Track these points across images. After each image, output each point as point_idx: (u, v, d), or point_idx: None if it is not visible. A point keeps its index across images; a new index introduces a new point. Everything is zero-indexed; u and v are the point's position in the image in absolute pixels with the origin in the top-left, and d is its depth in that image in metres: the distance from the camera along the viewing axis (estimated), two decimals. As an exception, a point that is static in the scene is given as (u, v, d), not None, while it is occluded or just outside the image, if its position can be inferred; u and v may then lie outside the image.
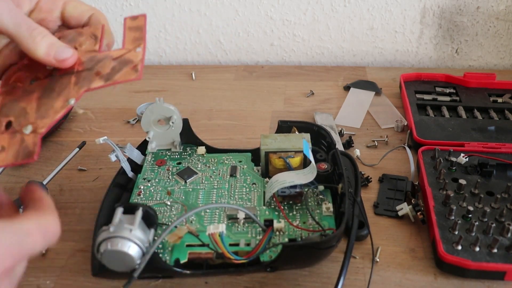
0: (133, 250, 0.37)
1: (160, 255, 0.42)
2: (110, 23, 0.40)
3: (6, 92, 0.35)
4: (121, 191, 0.50)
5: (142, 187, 0.50)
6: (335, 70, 0.83)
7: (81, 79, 0.34)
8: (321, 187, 0.48)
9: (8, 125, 0.33)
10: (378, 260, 0.46)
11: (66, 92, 0.34)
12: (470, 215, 0.48)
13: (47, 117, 0.33)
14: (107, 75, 0.34)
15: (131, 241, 0.37)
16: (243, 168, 0.53)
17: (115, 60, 0.35)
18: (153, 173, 0.52)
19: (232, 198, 0.49)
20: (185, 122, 0.55)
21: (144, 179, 0.51)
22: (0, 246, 0.26)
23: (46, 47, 0.34)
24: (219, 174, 0.52)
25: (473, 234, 0.46)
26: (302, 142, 0.49)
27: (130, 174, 0.51)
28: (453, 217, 0.48)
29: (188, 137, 0.56)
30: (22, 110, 0.34)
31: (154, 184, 0.51)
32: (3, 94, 0.35)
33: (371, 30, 0.84)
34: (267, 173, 0.51)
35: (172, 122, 0.53)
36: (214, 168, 0.53)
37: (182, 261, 0.41)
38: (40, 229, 0.28)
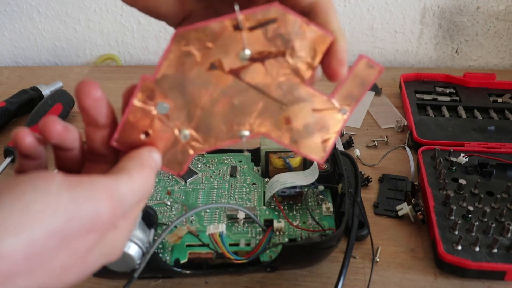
0: (133, 250, 0.37)
1: (160, 255, 0.42)
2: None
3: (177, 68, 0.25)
4: (121, 191, 0.50)
5: (142, 187, 0.50)
6: (335, 70, 0.83)
7: (267, 112, 0.26)
8: (321, 187, 0.48)
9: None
10: (378, 260, 0.46)
11: (243, 118, 0.27)
12: (470, 215, 0.48)
13: (212, 134, 0.27)
14: (295, 137, 0.27)
15: (131, 241, 0.37)
16: (243, 168, 0.53)
17: (314, 112, 0.27)
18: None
19: (232, 198, 0.49)
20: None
21: (144, 179, 0.51)
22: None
23: None
24: (219, 174, 0.52)
25: (473, 234, 0.46)
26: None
27: (130, 174, 0.51)
28: (453, 217, 0.48)
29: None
30: (189, 110, 0.26)
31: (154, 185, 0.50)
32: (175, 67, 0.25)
33: (371, 30, 0.84)
34: (267, 173, 0.51)
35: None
36: (214, 168, 0.53)
37: (182, 261, 0.41)
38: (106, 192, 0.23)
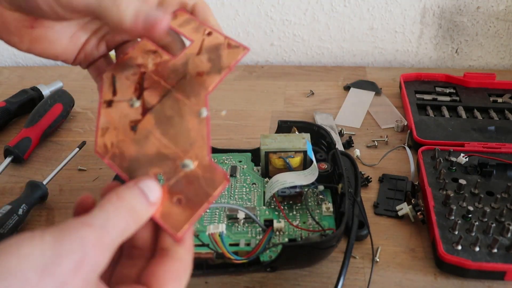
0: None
1: (160, 255, 0.42)
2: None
3: (115, 156, 0.29)
4: (121, 191, 0.50)
5: (142, 187, 0.50)
6: (335, 70, 0.83)
7: (187, 90, 0.29)
8: (321, 187, 0.48)
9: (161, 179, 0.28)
10: (378, 260, 0.46)
11: (187, 109, 0.29)
12: (470, 215, 0.48)
13: (194, 142, 0.28)
14: (213, 68, 0.29)
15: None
16: (243, 168, 0.53)
17: (201, 54, 0.30)
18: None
19: (232, 198, 0.49)
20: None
21: (144, 179, 0.51)
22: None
23: (133, 13, 0.27)
24: (219, 174, 0.52)
25: (473, 234, 0.46)
26: (303, 142, 0.49)
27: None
28: (453, 217, 0.48)
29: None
30: (158, 156, 0.28)
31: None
32: (112, 158, 0.29)
33: (371, 30, 0.84)
34: (267, 173, 0.51)
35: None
36: (214, 168, 0.53)
37: (182, 261, 0.41)
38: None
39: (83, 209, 0.26)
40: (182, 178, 0.27)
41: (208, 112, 0.28)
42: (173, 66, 0.30)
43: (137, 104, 0.30)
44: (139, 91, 0.30)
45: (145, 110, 0.29)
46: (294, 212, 0.47)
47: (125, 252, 0.28)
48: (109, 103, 0.30)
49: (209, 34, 0.31)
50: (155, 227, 0.28)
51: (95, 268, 0.22)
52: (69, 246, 0.21)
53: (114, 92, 0.31)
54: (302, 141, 0.49)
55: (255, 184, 0.50)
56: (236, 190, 0.50)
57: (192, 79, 0.29)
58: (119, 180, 0.31)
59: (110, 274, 0.27)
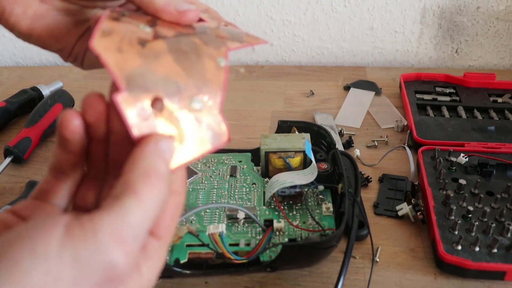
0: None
1: (160, 255, 0.42)
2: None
3: (117, 61, 0.23)
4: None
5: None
6: (335, 70, 0.83)
7: (208, 40, 0.26)
8: (321, 187, 0.48)
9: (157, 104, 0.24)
10: (378, 260, 0.46)
11: (204, 52, 0.25)
12: (470, 215, 0.48)
13: (209, 83, 0.24)
14: (233, 38, 0.27)
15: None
16: (243, 168, 0.53)
17: (221, 28, 0.28)
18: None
19: (232, 198, 0.49)
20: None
21: (144, 179, 0.51)
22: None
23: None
24: (219, 174, 0.52)
25: (473, 234, 0.46)
26: (303, 142, 0.49)
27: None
28: (453, 217, 0.48)
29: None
30: (165, 80, 0.24)
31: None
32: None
33: (371, 30, 0.84)
34: (267, 173, 0.51)
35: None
36: (214, 168, 0.53)
37: (182, 261, 0.41)
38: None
39: (95, 113, 0.23)
40: (185, 114, 0.24)
41: (227, 63, 0.25)
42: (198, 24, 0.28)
43: (148, 29, 0.26)
44: (152, 23, 0.27)
45: (157, 36, 0.25)
46: (294, 212, 0.47)
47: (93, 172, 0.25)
48: (116, 18, 0.26)
49: (226, 25, 0.29)
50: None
51: (123, 278, 0.20)
52: (97, 265, 0.19)
53: (122, 14, 0.27)
54: (302, 141, 0.49)
55: (255, 184, 0.50)
56: (236, 190, 0.50)
57: (212, 37, 0.26)
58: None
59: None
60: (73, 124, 0.23)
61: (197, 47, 0.25)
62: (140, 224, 0.20)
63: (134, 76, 0.23)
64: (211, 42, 0.26)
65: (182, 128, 0.24)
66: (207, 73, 0.24)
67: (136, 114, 0.22)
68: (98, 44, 0.23)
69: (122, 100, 0.22)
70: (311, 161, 0.47)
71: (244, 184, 0.50)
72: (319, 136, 0.54)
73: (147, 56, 0.24)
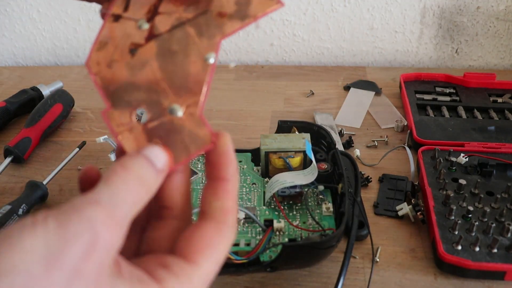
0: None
1: (160, 255, 0.42)
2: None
3: (104, 77, 0.26)
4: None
5: (142, 187, 0.50)
6: (335, 70, 0.83)
7: (203, 27, 0.26)
8: (321, 187, 0.48)
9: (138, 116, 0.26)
10: (378, 260, 0.46)
11: (194, 49, 0.26)
12: (470, 215, 0.48)
13: (191, 88, 0.25)
14: (238, 12, 0.26)
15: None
16: (243, 168, 0.53)
17: None
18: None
19: (232, 198, 0.49)
20: (185, 122, 0.55)
21: (144, 179, 0.51)
22: None
23: None
24: (219, 174, 0.52)
25: (473, 234, 0.46)
26: (303, 142, 0.49)
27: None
28: (453, 217, 0.48)
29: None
30: (148, 91, 0.25)
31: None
32: (101, 83, 0.26)
33: (371, 30, 0.84)
34: (267, 173, 0.51)
35: None
36: (214, 168, 0.53)
37: (182, 261, 0.41)
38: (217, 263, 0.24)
39: (89, 182, 0.24)
40: (166, 123, 0.25)
41: (215, 59, 0.25)
42: None
43: (145, 26, 0.26)
44: (152, 14, 0.27)
45: (151, 35, 0.26)
46: (294, 212, 0.47)
47: (154, 213, 0.26)
48: (117, 18, 0.27)
49: None
50: (187, 188, 0.26)
51: (108, 250, 0.20)
52: (76, 230, 0.19)
53: (126, 8, 0.27)
54: (302, 141, 0.49)
55: (255, 184, 0.50)
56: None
57: (211, 18, 0.26)
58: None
59: (138, 241, 0.25)
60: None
61: (188, 43, 0.26)
62: (108, 203, 0.21)
63: (119, 92, 0.25)
64: (207, 29, 0.26)
65: (164, 136, 0.25)
66: (190, 76, 0.25)
67: (121, 127, 0.25)
68: (92, 62, 0.26)
69: (108, 115, 0.25)
70: (311, 161, 0.47)
71: (244, 184, 0.50)
72: (319, 136, 0.54)
73: (133, 67, 0.26)
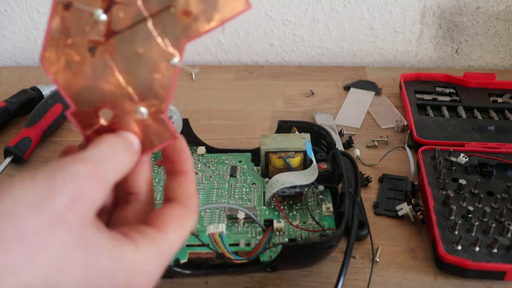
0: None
1: (160, 255, 0.42)
2: None
3: (65, 75, 0.25)
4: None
5: (142, 187, 0.50)
6: (335, 70, 0.83)
7: (167, 27, 0.24)
8: (321, 187, 0.48)
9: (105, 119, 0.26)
10: (378, 260, 0.46)
11: (158, 51, 0.25)
12: (470, 215, 0.48)
13: (155, 89, 0.25)
14: (203, 12, 0.24)
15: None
16: (243, 168, 0.53)
17: None
18: (153, 173, 0.52)
19: (232, 198, 0.49)
20: (185, 122, 0.55)
21: (144, 179, 0.51)
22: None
23: None
24: (219, 174, 0.52)
25: (473, 234, 0.46)
26: (303, 142, 0.49)
27: (130, 174, 0.51)
28: (453, 217, 0.48)
29: (188, 137, 0.56)
30: (112, 94, 0.25)
31: (154, 184, 0.50)
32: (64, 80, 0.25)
33: (371, 30, 0.84)
34: (267, 173, 0.51)
35: (172, 122, 0.52)
36: (214, 168, 0.53)
37: (182, 261, 0.41)
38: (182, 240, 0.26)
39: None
40: (133, 122, 0.26)
41: (180, 62, 0.25)
42: None
43: (102, 18, 0.24)
44: (108, 3, 0.25)
45: (110, 32, 0.25)
46: (294, 212, 0.47)
47: (121, 199, 0.27)
48: (67, 6, 0.24)
49: None
50: (151, 176, 0.28)
51: (91, 204, 0.22)
52: (62, 181, 0.21)
53: None
54: (302, 141, 0.49)
55: (255, 184, 0.50)
56: (236, 190, 0.50)
57: (176, 16, 0.24)
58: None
59: (107, 219, 0.27)
60: None
61: (151, 44, 0.25)
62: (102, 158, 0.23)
63: (83, 93, 0.25)
64: (171, 29, 0.24)
65: (131, 132, 0.26)
66: (155, 80, 0.25)
67: (87, 126, 0.26)
68: (48, 59, 0.25)
69: (74, 115, 0.26)
70: (311, 161, 0.47)
71: (244, 184, 0.50)
72: (319, 136, 0.54)
73: (95, 68, 0.25)
